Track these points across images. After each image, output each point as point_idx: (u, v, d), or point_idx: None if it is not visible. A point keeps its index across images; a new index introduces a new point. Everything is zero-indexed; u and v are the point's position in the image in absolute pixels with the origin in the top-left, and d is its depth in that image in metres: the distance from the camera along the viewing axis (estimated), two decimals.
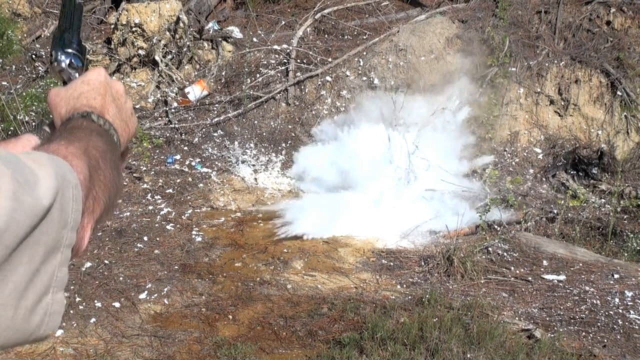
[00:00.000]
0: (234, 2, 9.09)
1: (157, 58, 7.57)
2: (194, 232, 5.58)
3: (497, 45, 7.58)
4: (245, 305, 4.56)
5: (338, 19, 8.30)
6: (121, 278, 4.80)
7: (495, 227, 5.92)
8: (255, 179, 6.67)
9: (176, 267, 5.02)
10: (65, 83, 1.02)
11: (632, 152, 7.38)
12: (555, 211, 6.37)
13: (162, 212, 5.86)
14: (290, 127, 7.33)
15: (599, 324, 4.38)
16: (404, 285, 4.90)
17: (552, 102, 7.65)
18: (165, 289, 4.71)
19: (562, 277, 4.97)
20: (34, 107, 6.11)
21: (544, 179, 7.17)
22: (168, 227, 5.63)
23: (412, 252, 5.46)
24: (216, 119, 7.29)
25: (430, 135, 6.86)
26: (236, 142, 7.07)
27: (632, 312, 4.53)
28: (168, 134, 7.06)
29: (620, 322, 4.41)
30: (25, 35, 8.19)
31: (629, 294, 4.75)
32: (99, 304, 4.47)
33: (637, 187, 6.89)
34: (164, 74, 7.60)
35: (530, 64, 7.64)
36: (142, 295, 4.62)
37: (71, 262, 0.75)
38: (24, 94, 6.18)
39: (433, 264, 5.07)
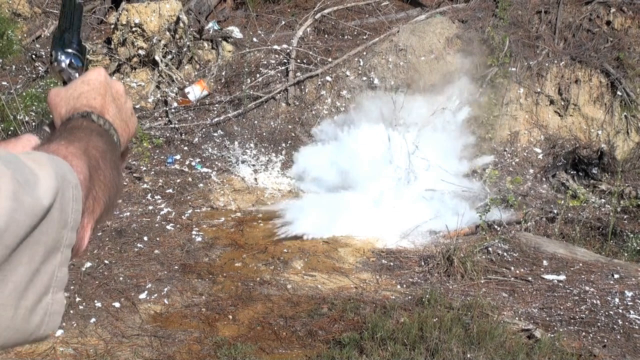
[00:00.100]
0: (234, 2, 9.09)
1: (157, 58, 7.57)
2: (194, 232, 5.58)
3: (497, 45, 7.58)
4: (245, 305, 4.56)
5: (338, 19, 8.30)
6: (121, 278, 4.80)
7: (495, 227, 5.92)
8: (255, 179, 6.67)
9: (176, 267, 5.02)
10: (65, 83, 1.02)
11: (632, 152, 7.38)
12: (555, 211, 6.37)
13: (162, 212, 5.86)
14: (290, 127, 7.33)
15: (599, 324, 4.38)
16: (404, 285, 4.90)
17: (552, 102, 7.65)
18: (165, 289, 4.71)
19: (562, 277, 4.97)
20: (34, 107, 6.11)
21: (544, 179, 7.18)
22: (168, 227, 5.63)
23: (412, 252, 5.46)
24: (216, 119, 7.29)
25: (430, 135, 6.86)
26: (236, 142, 7.07)
27: (632, 312, 4.53)
28: (168, 134, 7.06)
29: (620, 322, 4.41)
30: (25, 35, 8.19)
31: (629, 294, 4.75)
32: (99, 304, 4.47)
33: (637, 187, 6.89)
34: (164, 74, 7.60)
35: (530, 64, 7.64)
36: (142, 295, 4.62)
37: (71, 262, 0.75)
38: (24, 94, 6.19)
39: (433, 264, 5.07)
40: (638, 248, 5.81)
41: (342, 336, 4.07)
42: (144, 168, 6.51)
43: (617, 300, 4.66)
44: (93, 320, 4.29)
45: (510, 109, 7.51)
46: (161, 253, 5.21)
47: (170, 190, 6.23)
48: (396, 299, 4.61)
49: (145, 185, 6.27)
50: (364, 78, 7.57)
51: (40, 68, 7.74)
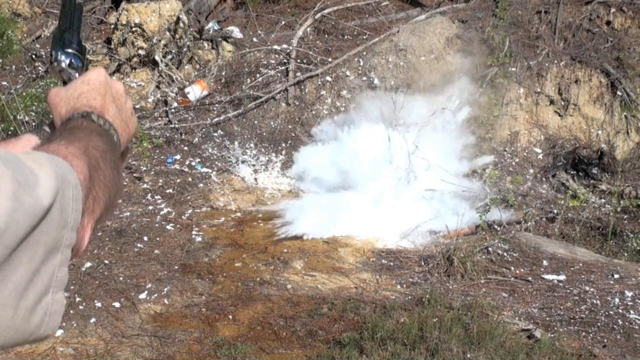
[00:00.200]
0: (234, 2, 9.09)
1: (157, 58, 7.57)
2: (194, 232, 5.58)
3: (497, 45, 7.58)
4: (245, 305, 4.56)
5: (338, 19, 8.30)
6: (121, 278, 4.80)
7: (495, 227, 5.92)
8: (255, 179, 6.67)
9: (176, 267, 5.02)
10: (65, 83, 1.03)
11: (632, 152, 7.38)
12: (555, 211, 6.37)
13: (162, 212, 5.86)
14: (290, 127, 7.33)
15: (599, 324, 4.38)
16: (404, 285, 4.90)
17: (552, 102, 7.65)
18: (165, 289, 4.71)
19: (562, 277, 4.97)
20: (34, 107, 6.11)
21: (544, 179, 7.18)
22: (168, 227, 5.63)
23: (412, 252, 5.46)
24: (216, 119, 7.29)
25: (430, 135, 6.86)
26: (236, 142, 7.07)
27: (632, 312, 4.53)
28: (168, 134, 7.06)
29: (620, 322, 4.41)
30: (25, 35, 8.19)
31: (629, 294, 4.75)
32: (99, 304, 4.47)
33: (637, 187, 6.89)
34: (164, 74, 7.60)
35: (530, 64, 7.64)
36: (142, 295, 4.62)
37: (71, 262, 0.75)
38: (24, 94, 6.19)
39: (433, 264, 5.07)
40: (638, 248, 5.81)
41: (342, 336, 4.07)
42: (144, 168, 6.51)
43: (617, 300, 4.66)
44: (93, 320, 4.29)
45: (510, 109, 7.51)
46: (161, 253, 5.21)
47: (170, 190, 6.23)
48: (396, 299, 4.61)
49: (145, 185, 6.27)
50: (364, 78, 7.57)
51: (40, 68, 7.74)
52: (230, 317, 4.43)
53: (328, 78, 7.60)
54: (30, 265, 0.67)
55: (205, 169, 6.66)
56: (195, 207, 6.04)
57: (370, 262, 5.27)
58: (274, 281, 4.88)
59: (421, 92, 7.26)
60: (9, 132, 5.72)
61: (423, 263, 5.19)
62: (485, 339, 3.91)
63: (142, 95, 7.55)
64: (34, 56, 7.89)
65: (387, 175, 6.36)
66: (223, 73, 7.78)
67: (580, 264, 5.18)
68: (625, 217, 6.55)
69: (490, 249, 5.28)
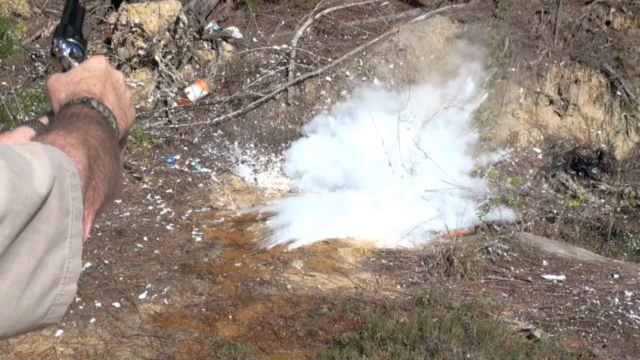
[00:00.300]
0: (234, 2, 9.09)
1: (157, 58, 7.57)
2: (193, 232, 5.58)
3: (497, 45, 7.58)
4: (245, 305, 4.56)
5: (338, 19, 8.30)
6: (121, 278, 4.80)
7: (495, 227, 5.92)
8: (255, 179, 6.67)
9: (176, 267, 5.02)
10: (65, 71, 1.03)
11: (632, 152, 7.38)
12: (555, 211, 6.38)
13: (162, 212, 5.86)
14: (290, 127, 7.33)
15: (598, 324, 4.38)
16: (404, 285, 4.90)
17: (551, 102, 7.65)
18: (165, 289, 4.71)
19: (562, 277, 4.98)
20: (33, 107, 6.11)
21: (543, 179, 7.18)
22: (168, 227, 5.63)
23: (412, 252, 5.46)
24: (216, 119, 7.29)
25: (431, 135, 6.86)
26: (236, 142, 7.07)
27: (631, 312, 4.53)
28: (168, 134, 7.06)
29: (620, 322, 4.41)
30: (25, 35, 8.18)
31: (628, 294, 4.75)
32: (99, 304, 4.47)
33: (636, 187, 6.90)
34: (164, 74, 7.60)
35: (530, 64, 7.64)
36: (142, 295, 4.62)
37: None
38: (24, 94, 6.19)
39: (433, 264, 5.07)
40: (638, 248, 5.81)
41: (342, 336, 4.08)
42: (144, 168, 6.51)
43: (616, 300, 4.66)
44: (93, 320, 4.29)
45: (510, 109, 7.52)
46: (161, 253, 5.21)
47: (170, 190, 6.23)
48: (396, 299, 4.61)
49: (145, 185, 6.27)
50: (364, 78, 7.58)
51: (40, 68, 7.74)
52: (230, 317, 4.43)
53: (328, 78, 7.60)
54: (32, 256, 0.67)
55: (205, 169, 6.66)
56: (195, 207, 6.04)
57: (370, 262, 5.27)
58: (273, 281, 4.88)
59: (421, 92, 7.26)
60: None
61: (423, 263, 5.20)
62: (485, 339, 3.92)
63: (142, 95, 7.55)
64: (33, 56, 7.89)
65: (387, 175, 6.36)
66: (223, 73, 7.77)
67: (580, 264, 5.19)
68: (625, 217, 6.55)
69: (490, 249, 5.29)
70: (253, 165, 6.85)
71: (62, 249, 0.70)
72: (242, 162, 6.82)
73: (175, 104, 7.47)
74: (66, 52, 1.05)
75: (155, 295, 4.64)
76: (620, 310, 4.54)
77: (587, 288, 4.82)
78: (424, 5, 8.68)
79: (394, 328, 4.04)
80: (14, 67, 7.73)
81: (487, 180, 6.75)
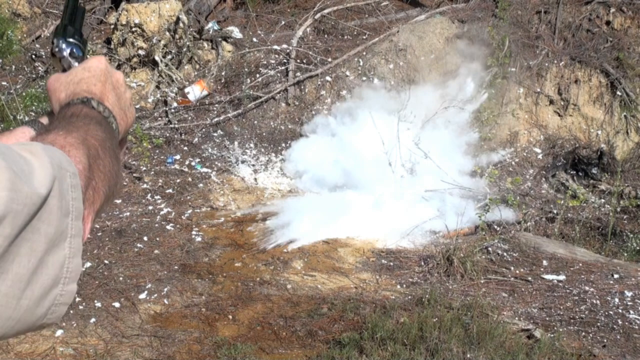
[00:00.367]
0: (234, 2, 9.09)
1: (157, 58, 7.57)
2: (193, 232, 5.58)
3: (497, 45, 7.58)
4: (245, 305, 4.56)
5: (338, 19, 8.30)
6: (121, 278, 4.80)
7: (495, 227, 5.92)
8: (255, 179, 6.67)
9: (176, 267, 5.02)
10: (64, 71, 1.03)
11: (632, 152, 7.38)
12: (555, 211, 6.38)
13: (162, 212, 5.86)
14: (290, 127, 7.33)
15: (598, 324, 4.38)
16: (404, 285, 4.90)
17: (551, 102, 7.65)
18: (165, 289, 4.71)
19: (562, 277, 4.98)
20: (33, 107, 6.11)
21: (543, 179, 7.18)
22: (168, 227, 5.63)
23: (412, 252, 5.46)
24: (216, 119, 7.29)
25: (431, 135, 6.86)
26: (236, 142, 7.07)
27: (631, 312, 4.53)
28: (168, 134, 7.06)
29: (620, 322, 4.41)
30: (25, 35, 8.18)
31: (628, 294, 4.75)
32: (99, 304, 4.47)
33: (636, 187, 6.90)
34: (164, 74, 7.60)
35: (530, 64, 7.64)
36: (142, 295, 4.62)
37: None
38: (24, 94, 6.19)
39: (433, 264, 5.07)
40: (638, 248, 5.81)
41: (342, 336, 4.08)
42: (144, 168, 6.51)
43: (616, 300, 4.66)
44: (93, 320, 4.29)
45: (510, 109, 7.52)
46: (161, 253, 5.21)
47: (170, 190, 6.23)
48: (396, 299, 4.61)
49: (145, 185, 6.26)
50: (364, 78, 7.58)
51: (40, 68, 7.74)
52: (230, 317, 4.43)
53: (328, 78, 7.60)
54: (32, 256, 0.66)
55: (205, 169, 6.66)
56: (195, 207, 6.04)
57: (370, 262, 5.27)
58: (273, 281, 4.88)
59: (421, 92, 7.26)
60: None
61: (423, 263, 5.20)
62: (485, 339, 3.92)
63: (142, 95, 7.55)
64: (33, 56, 7.89)
65: (387, 175, 6.36)
66: (223, 73, 7.77)
67: (580, 264, 5.19)
68: (624, 217, 6.55)
69: (490, 249, 5.29)
70: (253, 165, 6.85)
71: (62, 249, 0.70)
72: (242, 162, 6.82)
73: (175, 104, 7.47)
74: (66, 52, 1.05)
75: (155, 295, 4.64)
76: (620, 310, 4.54)
77: (587, 288, 4.82)
78: (424, 5, 8.68)
79: (394, 328, 4.04)
80: (14, 67, 7.73)
81: (487, 180, 6.75)
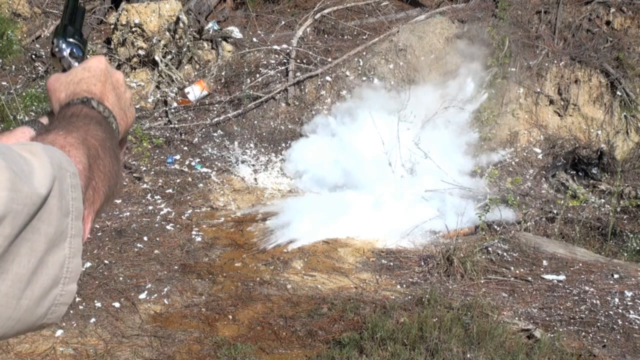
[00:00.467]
0: (234, 2, 9.09)
1: (157, 58, 7.57)
2: (193, 232, 5.58)
3: (497, 45, 7.58)
4: (245, 305, 4.56)
5: (338, 19, 8.30)
6: (121, 278, 4.80)
7: (495, 227, 5.92)
8: (255, 179, 6.67)
9: (176, 267, 5.02)
10: (64, 71, 1.03)
11: (632, 152, 7.38)
12: (555, 211, 6.38)
13: (162, 212, 5.86)
14: (290, 127, 7.33)
15: (598, 324, 4.38)
16: (404, 285, 4.90)
17: (551, 102, 7.65)
18: (165, 289, 4.71)
19: (562, 277, 4.98)
20: (33, 107, 6.11)
21: (543, 179, 7.18)
22: (168, 227, 5.63)
23: (412, 252, 5.46)
24: (216, 119, 7.29)
25: (431, 135, 6.86)
26: (236, 142, 7.07)
27: (631, 312, 4.53)
28: (168, 134, 7.06)
29: (620, 322, 4.41)
30: (25, 35, 8.18)
31: (628, 294, 4.75)
32: (99, 304, 4.47)
33: (636, 187, 6.90)
34: (164, 74, 7.60)
35: (530, 64, 7.64)
36: (142, 295, 4.62)
37: None
38: (24, 94, 6.19)
39: (433, 264, 5.07)
40: (638, 248, 5.81)
41: (342, 336, 4.08)
42: (144, 168, 6.51)
43: (616, 300, 4.66)
44: (93, 320, 4.29)
45: (510, 109, 7.52)
46: (161, 253, 5.21)
47: (170, 190, 6.23)
48: (396, 299, 4.61)
49: (145, 185, 6.26)
50: (364, 78, 7.58)
51: (40, 68, 7.74)
52: (230, 317, 4.43)
53: (328, 78, 7.61)
54: (32, 256, 0.66)
55: (205, 169, 6.66)
56: (195, 207, 6.04)
57: (370, 262, 5.27)
58: (273, 281, 4.89)
59: (421, 92, 7.26)
60: None
61: (423, 263, 5.20)
62: (485, 339, 3.92)
63: (142, 95, 7.55)
64: (33, 56, 7.89)
65: (387, 175, 6.36)
66: (223, 73, 7.77)
67: (580, 264, 5.19)
68: (625, 217, 6.55)
69: (490, 249, 5.29)
70: (253, 165, 6.85)
71: (62, 249, 0.70)
72: (242, 162, 6.82)
73: (175, 104, 7.47)
74: (66, 52, 1.05)
75: (155, 295, 4.64)
76: (620, 310, 4.54)
77: (587, 288, 4.82)
78: (424, 5, 8.68)
79: (394, 328, 4.04)
80: (14, 67, 7.73)
81: (487, 180, 6.75)
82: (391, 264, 5.24)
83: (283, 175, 6.81)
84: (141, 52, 7.64)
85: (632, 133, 7.47)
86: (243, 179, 6.63)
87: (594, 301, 4.65)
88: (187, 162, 6.73)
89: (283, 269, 5.08)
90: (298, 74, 7.63)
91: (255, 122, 7.37)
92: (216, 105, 7.51)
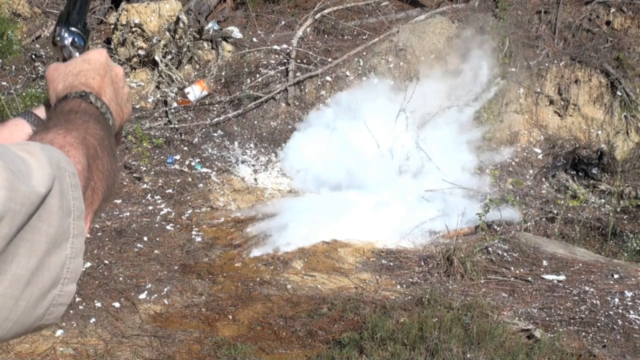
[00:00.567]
0: (234, 2, 9.09)
1: (157, 58, 7.57)
2: (193, 232, 5.58)
3: (497, 45, 7.58)
4: (245, 305, 4.56)
5: (338, 19, 8.30)
6: (121, 278, 4.80)
7: (495, 227, 5.92)
8: (255, 179, 6.67)
9: (176, 267, 5.02)
10: (65, 60, 1.02)
11: (632, 152, 7.38)
12: (555, 211, 6.38)
13: (162, 212, 5.86)
14: (290, 127, 7.33)
15: (598, 324, 4.38)
16: (404, 285, 4.90)
17: (551, 102, 7.65)
18: (165, 289, 4.71)
19: (562, 277, 4.97)
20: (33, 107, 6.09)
21: (544, 179, 7.18)
22: (168, 227, 5.63)
23: (412, 252, 5.46)
24: (216, 119, 7.29)
25: (431, 135, 6.86)
26: (236, 142, 7.07)
27: (631, 312, 4.53)
28: (168, 134, 7.06)
29: (620, 322, 4.41)
30: (25, 35, 8.18)
31: (628, 294, 4.75)
32: (99, 304, 4.47)
33: (636, 187, 6.90)
34: (164, 74, 7.60)
35: (530, 64, 7.64)
36: (142, 295, 4.62)
37: None
38: (24, 94, 6.19)
39: (433, 264, 5.07)
40: (638, 248, 5.81)
41: (342, 336, 4.07)
42: (144, 168, 6.51)
43: (616, 300, 4.66)
44: (93, 320, 4.29)
45: (510, 109, 7.52)
46: (161, 253, 5.21)
47: (170, 191, 6.23)
48: (396, 299, 4.61)
49: (145, 186, 6.26)
50: (364, 78, 7.57)
51: (40, 68, 7.74)
52: (230, 317, 4.43)
53: (328, 78, 7.60)
54: (32, 256, 0.66)
55: (205, 169, 6.66)
56: (195, 207, 6.04)
57: (370, 262, 5.27)
58: (273, 281, 4.88)
59: (421, 92, 7.25)
60: None
61: (423, 263, 5.20)
62: (485, 339, 3.92)
63: (142, 95, 7.55)
64: (33, 56, 7.89)
65: (388, 175, 6.36)
66: (223, 73, 7.77)
67: (580, 264, 5.19)
68: (625, 217, 6.55)
69: (490, 249, 5.28)
70: (253, 165, 6.85)
71: (63, 249, 0.70)
72: (242, 162, 6.82)
73: (175, 104, 7.47)
74: (68, 41, 1.04)
75: (155, 295, 4.64)
76: (620, 310, 4.54)
77: (587, 288, 4.82)
78: (424, 5, 8.68)
79: (394, 328, 4.04)
80: (14, 67, 7.73)
81: (488, 179, 6.75)
82: (391, 264, 5.24)
83: (283, 175, 6.81)
84: (141, 52, 7.64)
85: (632, 133, 7.47)
86: (243, 179, 6.63)
87: (594, 301, 4.65)
88: (187, 162, 6.72)
89: (283, 269, 5.08)
90: (298, 74, 7.63)
91: (255, 122, 7.37)
92: (216, 105, 7.51)
